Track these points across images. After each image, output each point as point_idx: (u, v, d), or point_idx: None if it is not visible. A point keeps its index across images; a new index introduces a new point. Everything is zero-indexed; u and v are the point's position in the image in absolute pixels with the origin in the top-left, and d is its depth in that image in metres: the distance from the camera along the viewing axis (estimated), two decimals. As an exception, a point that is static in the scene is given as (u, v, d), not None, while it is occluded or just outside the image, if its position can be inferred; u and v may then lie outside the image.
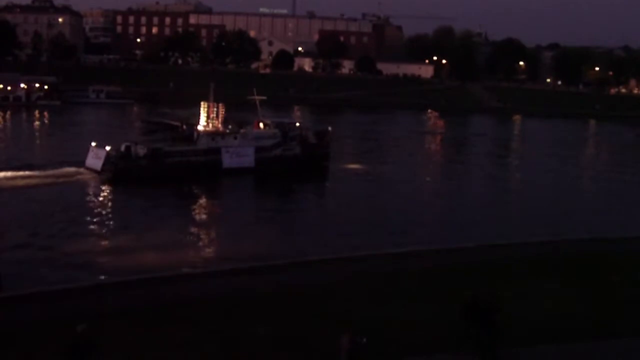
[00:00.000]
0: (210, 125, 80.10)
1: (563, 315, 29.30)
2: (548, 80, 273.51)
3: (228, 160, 77.10)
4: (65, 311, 28.54)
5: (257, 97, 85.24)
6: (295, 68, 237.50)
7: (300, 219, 61.17)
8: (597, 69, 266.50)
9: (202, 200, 67.99)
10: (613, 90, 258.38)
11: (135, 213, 58.93)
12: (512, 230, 55.53)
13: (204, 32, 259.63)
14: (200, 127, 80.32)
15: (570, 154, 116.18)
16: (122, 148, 74.12)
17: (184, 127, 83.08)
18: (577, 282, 34.13)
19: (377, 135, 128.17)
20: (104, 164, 71.53)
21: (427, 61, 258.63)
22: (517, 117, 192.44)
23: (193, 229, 54.21)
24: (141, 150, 73.90)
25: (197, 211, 62.51)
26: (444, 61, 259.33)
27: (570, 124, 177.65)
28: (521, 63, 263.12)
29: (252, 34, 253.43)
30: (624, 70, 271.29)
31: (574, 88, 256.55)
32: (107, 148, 72.80)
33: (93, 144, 73.92)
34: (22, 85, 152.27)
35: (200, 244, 49.85)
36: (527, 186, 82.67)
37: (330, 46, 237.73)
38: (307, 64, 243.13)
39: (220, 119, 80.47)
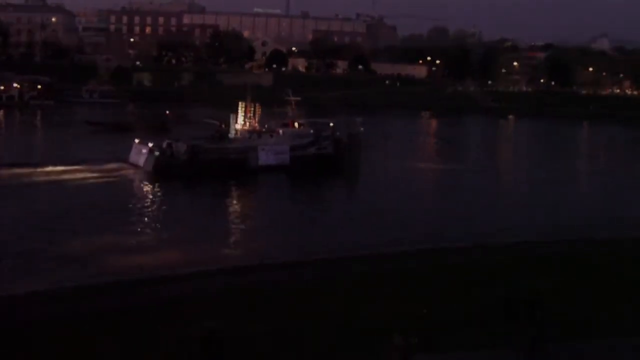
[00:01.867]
0: (248, 124, 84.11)
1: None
2: (542, 80, 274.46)
3: (264, 158, 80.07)
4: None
5: (292, 98, 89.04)
6: (289, 68, 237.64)
7: (329, 215, 63.07)
8: (591, 69, 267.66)
9: (235, 196, 70.87)
10: (607, 91, 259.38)
11: (176, 207, 62.42)
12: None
13: (197, 32, 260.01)
14: (237, 126, 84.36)
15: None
16: (164, 145, 77.55)
17: (223, 125, 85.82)
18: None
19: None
20: (146, 160, 75.65)
21: (421, 61, 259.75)
22: (510, 118, 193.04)
23: (221, 224, 56.56)
24: (181, 147, 77.34)
25: (228, 207, 65.39)
26: (438, 61, 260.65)
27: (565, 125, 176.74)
28: (515, 63, 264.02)
29: (245, 34, 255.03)
30: (618, 71, 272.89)
31: (568, 89, 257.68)
32: (150, 145, 76.65)
33: (136, 140, 78.52)
34: (15, 84, 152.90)
35: (224, 240, 51.24)
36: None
37: (324, 46, 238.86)
38: (301, 64, 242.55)
39: (256, 118, 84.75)
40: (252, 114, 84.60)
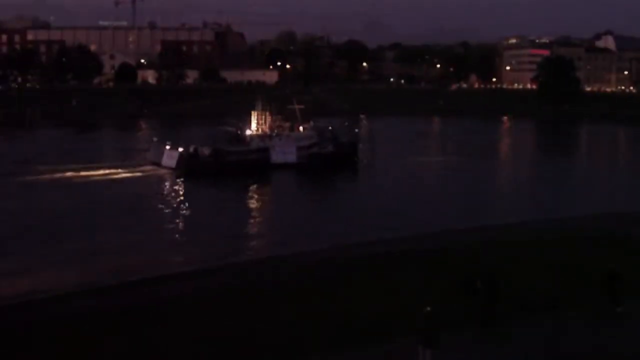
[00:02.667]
0: (260, 129, 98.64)
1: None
2: (391, 79, 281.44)
3: (275, 157, 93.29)
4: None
5: (297, 107, 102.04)
6: (139, 81, 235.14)
7: (333, 205, 74.36)
8: (438, 66, 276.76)
9: (255, 190, 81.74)
10: (454, 86, 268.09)
11: (205, 202, 72.87)
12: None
13: (43, 48, 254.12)
14: (249, 132, 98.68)
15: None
16: (191, 149, 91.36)
17: (239, 132, 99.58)
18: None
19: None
20: (177, 162, 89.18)
21: (271, 67, 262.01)
22: (362, 117, 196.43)
23: (244, 216, 65.86)
24: (206, 151, 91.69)
25: (250, 199, 76.86)
26: (288, 66, 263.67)
27: (417, 121, 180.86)
28: (364, 64, 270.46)
29: (92, 47, 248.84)
30: (463, 66, 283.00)
31: (416, 86, 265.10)
32: (180, 149, 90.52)
33: (167, 146, 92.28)
34: None
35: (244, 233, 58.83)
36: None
37: (173, 57, 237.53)
38: (150, 76, 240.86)
39: (267, 125, 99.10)
40: (263, 121, 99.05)
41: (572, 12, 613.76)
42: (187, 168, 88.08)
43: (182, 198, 74.54)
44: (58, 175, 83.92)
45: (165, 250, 50.87)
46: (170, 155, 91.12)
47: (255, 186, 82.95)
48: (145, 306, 34.04)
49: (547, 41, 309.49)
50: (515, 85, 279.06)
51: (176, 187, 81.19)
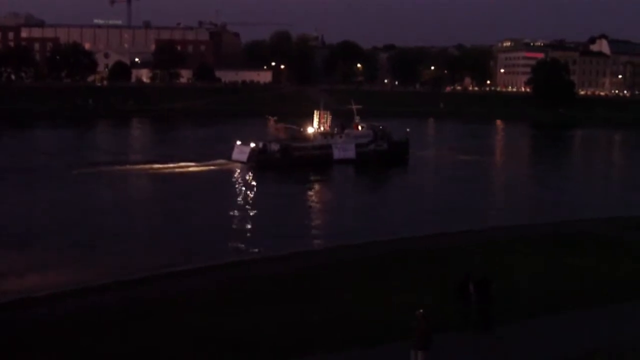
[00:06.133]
0: (322, 128, 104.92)
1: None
2: (386, 81, 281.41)
3: (337, 154, 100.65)
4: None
5: (354, 107, 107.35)
6: (133, 79, 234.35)
7: (391, 198, 79.29)
8: (432, 68, 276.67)
9: (319, 183, 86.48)
10: (448, 88, 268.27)
11: (272, 194, 77.15)
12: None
13: (37, 45, 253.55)
14: (311, 130, 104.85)
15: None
16: (260, 145, 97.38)
17: (302, 129, 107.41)
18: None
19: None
20: (248, 157, 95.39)
21: (265, 67, 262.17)
22: (357, 118, 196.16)
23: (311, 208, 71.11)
24: (275, 147, 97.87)
25: (315, 192, 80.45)
26: (282, 66, 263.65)
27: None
28: (358, 65, 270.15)
29: (87, 46, 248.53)
30: (458, 68, 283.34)
31: (411, 88, 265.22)
32: (252, 145, 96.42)
33: (238, 142, 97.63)
34: None
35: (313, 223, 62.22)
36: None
37: (167, 56, 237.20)
38: (144, 75, 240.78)
39: (328, 124, 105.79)
40: (325, 120, 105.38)
41: (567, 15, 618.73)
42: (257, 162, 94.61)
43: (255, 189, 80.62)
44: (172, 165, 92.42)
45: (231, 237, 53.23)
46: (241, 150, 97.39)
47: (318, 179, 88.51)
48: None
49: (542, 44, 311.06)
50: (510, 88, 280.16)
51: (248, 179, 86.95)
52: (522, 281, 34.90)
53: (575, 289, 33.83)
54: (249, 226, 58.56)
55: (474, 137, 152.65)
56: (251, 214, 64.68)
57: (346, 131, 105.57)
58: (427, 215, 63.36)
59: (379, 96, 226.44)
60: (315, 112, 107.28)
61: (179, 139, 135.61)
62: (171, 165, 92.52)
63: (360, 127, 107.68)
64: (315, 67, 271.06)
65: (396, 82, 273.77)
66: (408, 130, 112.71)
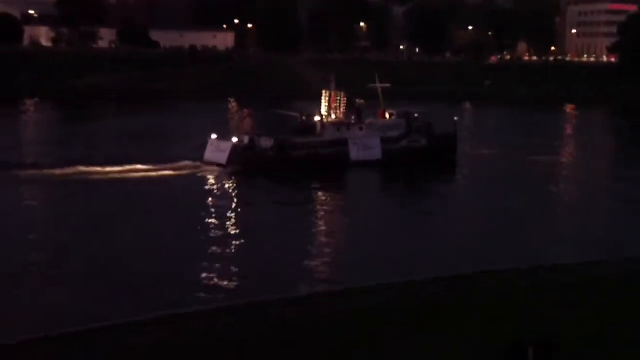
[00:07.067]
0: (333, 115, 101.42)
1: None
2: (402, 47, 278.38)
3: (355, 153, 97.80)
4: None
5: (379, 85, 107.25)
6: (26, 42, 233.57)
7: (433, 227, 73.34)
8: (470, 28, 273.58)
9: (330, 196, 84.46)
10: (494, 59, 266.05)
11: (263, 216, 74.56)
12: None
13: None
14: (319, 118, 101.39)
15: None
16: (246, 140, 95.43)
17: (303, 117, 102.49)
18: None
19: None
20: (229, 157, 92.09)
21: (225, 26, 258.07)
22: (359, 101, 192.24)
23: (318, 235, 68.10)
24: (267, 142, 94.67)
25: (323, 211, 77.81)
26: (249, 25, 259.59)
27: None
28: (362, 24, 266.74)
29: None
30: (508, 30, 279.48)
31: (439, 57, 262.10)
32: (234, 140, 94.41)
33: (213, 136, 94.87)
34: None
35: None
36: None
37: (78, 8, 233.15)
38: (44, 36, 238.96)
39: (341, 109, 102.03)
40: (337, 104, 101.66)
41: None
42: (243, 164, 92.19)
43: (238, 208, 77.12)
44: None
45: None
46: (218, 147, 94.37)
47: (328, 190, 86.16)
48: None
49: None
50: (585, 57, 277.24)
51: (230, 190, 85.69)
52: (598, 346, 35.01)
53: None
54: (234, 269, 55.99)
55: (533, 129, 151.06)
56: (232, 249, 61.68)
57: (368, 121, 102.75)
58: (480, 243, 62.80)
59: (392, 69, 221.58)
60: (323, 92, 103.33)
61: (101, 132, 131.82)
62: (111, 169, 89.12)
63: (388, 115, 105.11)
64: (298, 26, 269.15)
65: (417, 50, 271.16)
66: (456, 119, 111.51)
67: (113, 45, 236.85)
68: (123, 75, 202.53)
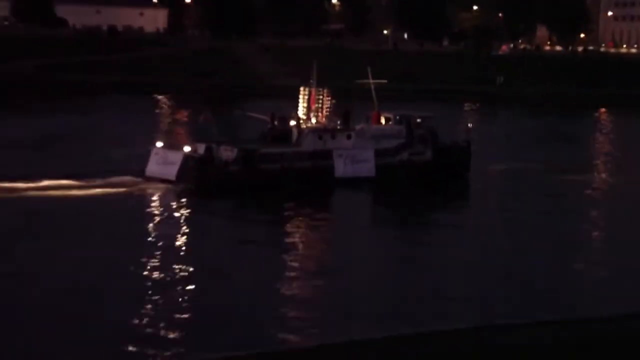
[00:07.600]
0: (314, 119, 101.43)
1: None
2: (385, 32, 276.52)
3: (342, 168, 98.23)
4: None
5: (372, 82, 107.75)
6: None
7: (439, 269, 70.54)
8: (475, 8, 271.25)
9: (309, 224, 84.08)
10: (505, 48, 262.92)
11: (225, 245, 74.56)
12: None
13: None
14: (295, 122, 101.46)
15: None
16: (201, 150, 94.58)
17: (276, 122, 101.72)
18: None
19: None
20: (179, 171, 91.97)
21: (156, 0, 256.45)
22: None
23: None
24: (228, 153, 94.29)
25: (300, 244, 77.87)
26: (187, 0, 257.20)
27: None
28: (334, 1, 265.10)
29: None
30: (524, 12, 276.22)
31: (434, 45, 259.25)
32: (186, 149, 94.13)
33: (158, 144, 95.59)
34: None
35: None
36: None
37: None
38: None
39: (324, 111, 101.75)
40: (320, 105, 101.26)
41: None
42: (197, 181, 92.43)
43: (188, 240, 76.16)
44: None
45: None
46: (165, 158, 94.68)
47: (307, 215, 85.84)
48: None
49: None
50: (624, 47, 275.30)
51: (179, 215, 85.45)
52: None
53: None
54: (182, 330, 52.38)
55: (559, 139, 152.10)
56: (176, 295, 59.18)
57: (359, 127, 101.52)
58: (493, 288, 62.29)
59: (373, 60, 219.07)
60: (301, 89, 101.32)
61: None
62: (26, 185, 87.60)
63: (383, 120, 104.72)
64: (251, 4, 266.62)
65: (405, 35, 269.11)
66: (470, 125, 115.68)
67: (6, 23, 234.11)
68: (20, 62, 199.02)
